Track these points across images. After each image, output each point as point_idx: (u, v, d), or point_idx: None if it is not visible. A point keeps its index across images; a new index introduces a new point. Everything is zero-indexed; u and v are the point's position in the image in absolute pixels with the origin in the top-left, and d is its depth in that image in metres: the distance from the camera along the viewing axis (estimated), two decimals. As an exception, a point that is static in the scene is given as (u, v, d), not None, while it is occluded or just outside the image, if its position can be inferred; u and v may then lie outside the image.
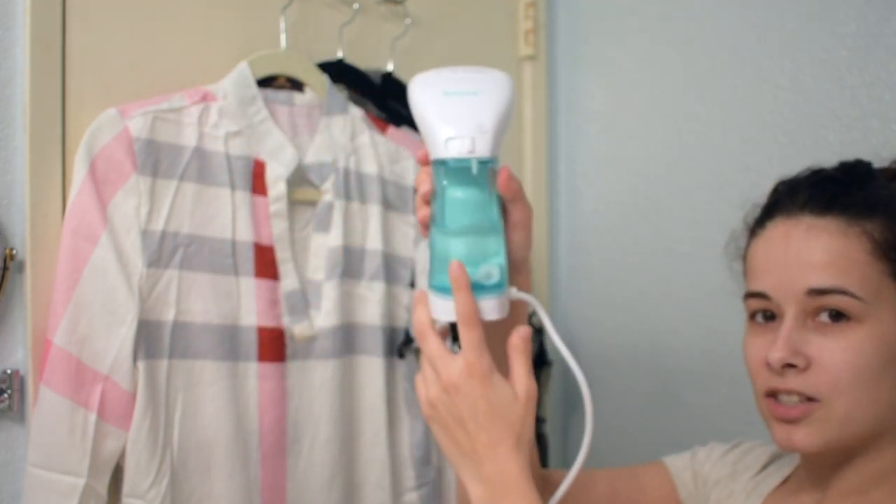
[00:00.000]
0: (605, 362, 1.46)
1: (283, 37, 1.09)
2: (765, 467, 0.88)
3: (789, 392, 0.74)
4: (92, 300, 0.90)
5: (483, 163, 0.74)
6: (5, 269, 0.88)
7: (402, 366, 1.14)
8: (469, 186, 0.75)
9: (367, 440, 1.10)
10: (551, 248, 1.52)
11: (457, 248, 0.74)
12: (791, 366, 0.74)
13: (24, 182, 0.90)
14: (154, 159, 0.94)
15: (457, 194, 0.75)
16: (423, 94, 0.79)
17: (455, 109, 0.77)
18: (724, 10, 1.29)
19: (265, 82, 1.05)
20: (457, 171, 0.74)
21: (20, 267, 0.90)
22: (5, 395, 0.89)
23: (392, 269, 1.13)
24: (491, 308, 0.72)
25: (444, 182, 0.74)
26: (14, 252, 0.89)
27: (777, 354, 0.74)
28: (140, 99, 0.97)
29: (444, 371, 0.70)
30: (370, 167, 1.12)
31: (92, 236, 0.90)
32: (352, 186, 1.10)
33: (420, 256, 1.15)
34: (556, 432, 1.50)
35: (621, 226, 1.44)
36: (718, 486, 0.89)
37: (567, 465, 1.54)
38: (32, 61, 0.90)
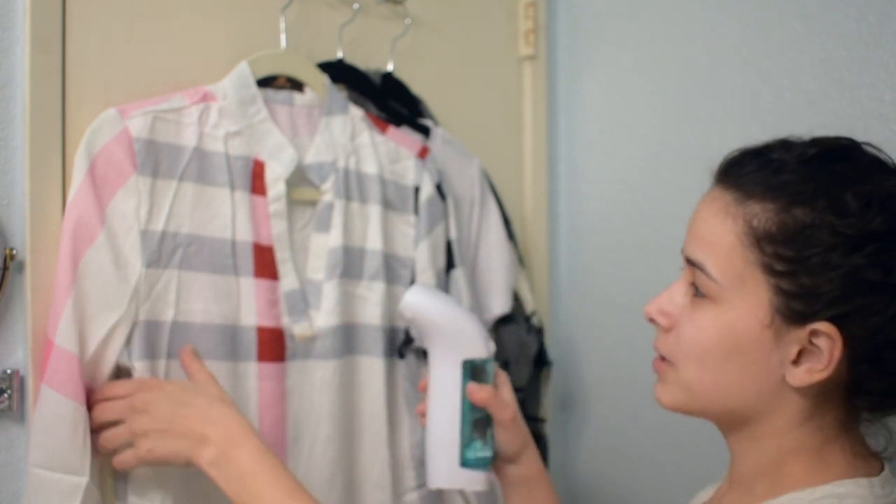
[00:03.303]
0: (605, 362, 1.46)
1: (282, 37, 1.09)
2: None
3: (655, 348, 0.79)
4: (90, 300, 0.90)
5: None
6: (5, 269, 0.88)
7: (402, 365, 1.14)
8: (488, 378, 0.95)
9: (367, 440, 1.10)
10: (551, 248, 1.52)
11: (484, 428, 0.95)
12: (659, 324, 0.78)
13: (24, 182, 0.90)
14: (154, 159, 0.94)
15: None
16: (446, 304, 0.96)
17: (475, 318, 0.96)
18: (724, 10, 1.29)
19: (265, 82, 1.05)
20: (483, 365, 0.94)
21: (20, 267, 0.90)
22: (5, 395, 0.89)
23: (392, 269, 1.13)
24: (478, 479, 0.94)
25: (471, 376, 0.94)
26: (14, 252, 0.89)
27: (646, 308, 0.79)
28: (140, 98, 0.97)
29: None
30: (370, 167, 1.11)
31: (90, 237, 0.90)
32: (352, 186, 1.09)
33: (420, 256, 1.15)
34: (556, 432, 1.50)
35: (621, 226, 1.44)
36: None
37: (567, 465, 1.55)
38: (32, 61, 0.90)
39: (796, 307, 0.69)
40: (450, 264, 1.19)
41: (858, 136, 1.15)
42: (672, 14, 1.37)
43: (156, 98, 0.97)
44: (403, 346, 1.14)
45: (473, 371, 0.94)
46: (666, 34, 1.38)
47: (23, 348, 0.90)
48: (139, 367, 0.92)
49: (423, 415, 0.97)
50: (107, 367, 0.91)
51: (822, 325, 0.68)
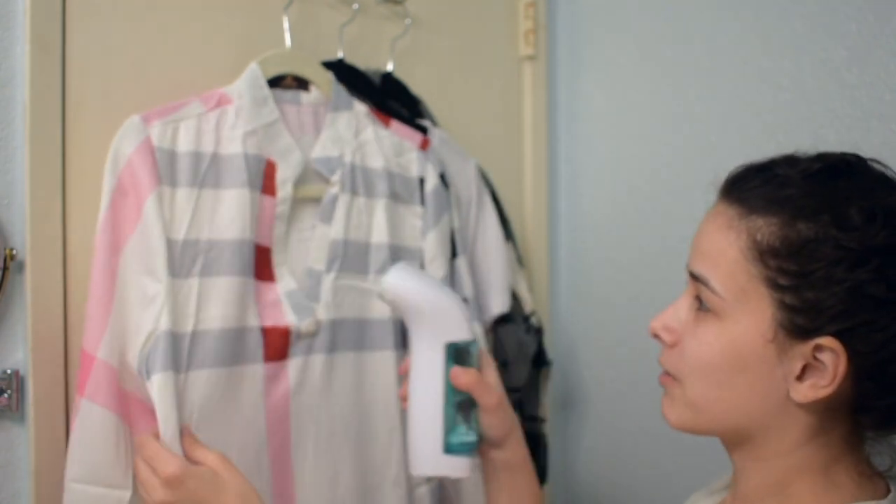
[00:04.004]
0: (606, 362, 1.47)
1: (287, 36, 1.09)
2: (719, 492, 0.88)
3: (660, 364, 0.79)
4: (128, 313, 0.90)
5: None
6: (5, 269, 0.88)
7: None
8: (472, 361, 0.93)
9: (382, 437, 1.09)
10: (551, 248, 1.52)
11: (467, 413, 0.92)
12: (663, 341, 0.78)
13: (24, 182, 0.90)
14: (174, 169, 0.94)
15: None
16: (428, 285, 0.94)
17: (457, 298, 0.93)
18: (724, 10, 1.29)
19: (273, 82, 1.05)
20: (467, 348, 0.92)
21: (20, 267, 0.90)
22: (5, 395, 0.89)
23: (400, 261, 1.13)
24: (462, 465, 0.92)
25: (454, 360, 0.92)
26: (14, 252, 0.89)
27: (651, 324, 0.79)
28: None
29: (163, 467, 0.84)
30: (376, 162, 1.12)
31: (122, 248, 0.91)
32: (357, 182, 1.10)
33: (428, 246, 1.15)
34: (556, 432, 1.50)
35: (621, 226, 1.44)
36: None
37: (566, 465, 1.55)
38: (32, 61, 0.90)
39: (800, 322, 0.68)
40: (452, 253, 1.20)
41: (858, 136, 1.15)
42: (672, 14, 1.37)
43: (174, 103, 0.97)
44: None
45: (457, 354, 0.91)
46: (666, 34, 1.38)
47: (23, 348, 0.91)
48: (158, 379, 0.89)
49: (404, 399, 0.95)
50: (144, 380, 0.91)
51: (826, 340, 0.67)
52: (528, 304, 1.35)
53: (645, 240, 1.40)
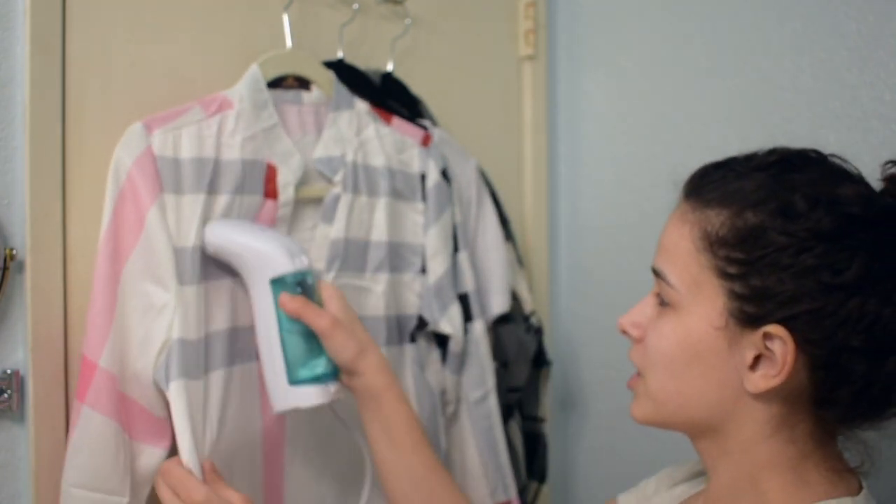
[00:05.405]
0: (605, 362, 1.46)
1: (287, 36, 1.09)
2: (690, 479, 0.89)
3: (629, 359, 0.79)
4: (130, 322, 0.91)
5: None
6: (5, 269, 0.88)
7: (411, 349, 1.14)
8: (306, 292, 0.95)
9: None
10: (551, 248, 1.52)
11: (310, 343, 0.94)
12: (631, 336, 0.79)
13: (24, 182, 0.90)
14: (178, 176, 0.94)
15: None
16: (241, 231, 0.96)
17: (278, 236, 0.97)
18: (723, 10, 1.29)
19: (274, 82, 1.05)
20: (298, 281, 0.94)
21: (20, 267, 0.90)
22: (5, 395, 0.89)
23: (400, 258, 1.14)
24: (309, 394, 0.92)
25: (282, 292, 0.93)
26: (14, 252, 0.89)
27: (619, 321, 0.80)
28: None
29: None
30: (377, 160, 1.12)
31: (125, 257, 0.91)
32: (360, 180, 1.10)
33: (429, 242, 1.16)
34: (556, 432, 1.50)
35: (621, 226, 1.44)
36: None
37: (567, 465, 1.54)
38: (32, 61, 0.90)
39: (749, 310, 0.69)
40: (454, 247, 1.20)
41: (858, 136, 1.15)
42: (672, 14, 1.37)
43: (174, 110, 0.97)
44: (416, 330, 1.15)
45: (284, 287, 0.93)
46: (666, 34, 1.38)
47: (23, 348, 0.90)
48: (175, 387, 0.90)
49: None
50: (147, 387, 0.91)
51: (774, 328, 0.68)
52: (528, 304, 1.35)
53: (645, 240, 1.40)
